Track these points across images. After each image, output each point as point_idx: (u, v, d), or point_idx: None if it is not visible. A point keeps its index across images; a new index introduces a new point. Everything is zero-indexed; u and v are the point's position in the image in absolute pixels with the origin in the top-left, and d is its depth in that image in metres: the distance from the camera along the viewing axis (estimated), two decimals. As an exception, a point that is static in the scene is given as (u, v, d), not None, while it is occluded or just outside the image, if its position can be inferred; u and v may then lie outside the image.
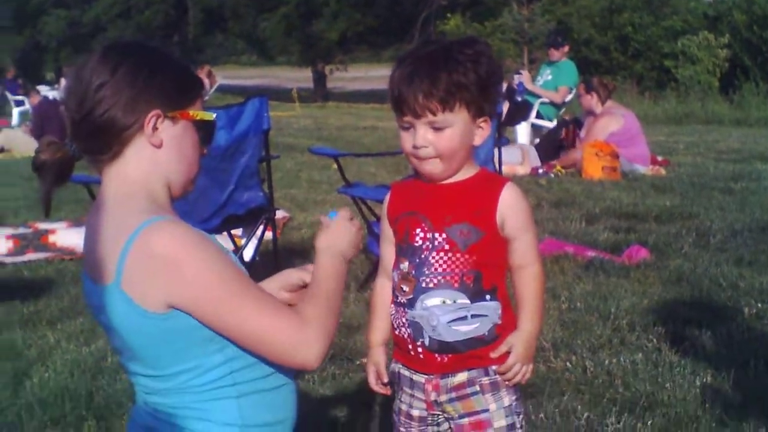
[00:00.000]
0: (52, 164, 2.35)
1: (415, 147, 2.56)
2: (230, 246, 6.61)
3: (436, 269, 2.58)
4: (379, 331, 2.78)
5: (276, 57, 55.74)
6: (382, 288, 2.76)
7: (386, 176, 11.19)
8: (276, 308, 2.23)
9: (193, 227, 2.21)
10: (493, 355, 2.60)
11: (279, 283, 2.62)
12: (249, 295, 2.20)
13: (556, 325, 5.39)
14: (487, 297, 2.60)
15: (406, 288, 2.62)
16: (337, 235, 2.48)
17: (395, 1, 42.36)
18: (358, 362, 4.84)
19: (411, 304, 2.60)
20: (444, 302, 2.57)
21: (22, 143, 17.10)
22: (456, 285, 2.57)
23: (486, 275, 2.59)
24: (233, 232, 6.43)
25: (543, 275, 2.68)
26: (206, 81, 20.83)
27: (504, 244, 2.62)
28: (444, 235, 2.58)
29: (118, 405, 4.34)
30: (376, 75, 48.92)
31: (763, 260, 6.73)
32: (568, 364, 4.77)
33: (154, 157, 2.31)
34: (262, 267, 6.38)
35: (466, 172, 2.65)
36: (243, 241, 6.31)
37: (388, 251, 2.75)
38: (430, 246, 2.59)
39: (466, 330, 2.58)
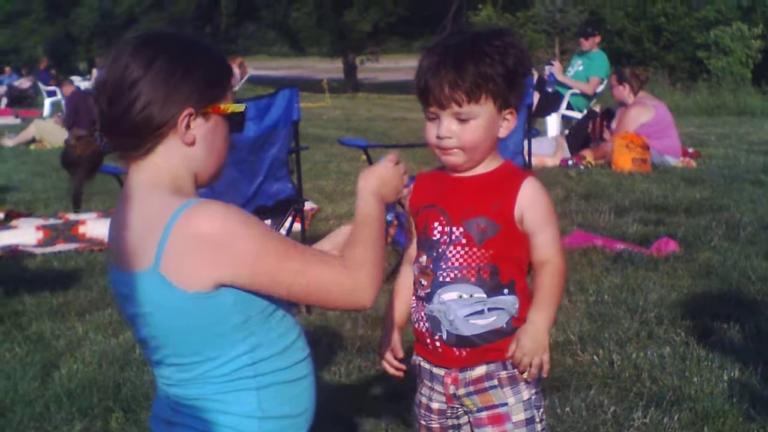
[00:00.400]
0: (84, 159, 2.36)
1: (439, 138, 2.56)
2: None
3: (453, 263, 2.58)
4: (396, 314, 2.80)
5: (307, 48, 55.75)
6: (405, 275, 2.78)
7: (415, 167, 11.04)
8: (325, 260, 2.29)
9: (226, 203, 2.24)
10: (508, 353, 2.59)
11: (330, 243, 2.66)
12: (296, 252, 2.25)
13: (583, 318, 5.38)
14: (505, 291, 2.59)
15: (424, 282, 2.63)
16: (378, 176, 2.50)
17: (427, -8, 42.27)
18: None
19: (429, 298, 2.61)
20: (461, 296, 2.58)
21: (53, 134, 17.18)
22: (473, 279, 2.57)
23: (503, 269, 2.59)
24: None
25: (563, 271, 2.65)
26: (237, 71, 20.87)
27: (523, 238, 2.60)
28: (461, 229, 2.59)
29: (146, 397, 4.36)
30: (406, 66, 48.83)
31: (793, 254, 6.70)
32: (595, 357, 4.76)
33: (186, 153, 2.33)
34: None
35: (490, 165, 2.64)
36: (271, 233, 6.32)
37: (411, 241, 2.78)
38: (448, 240, 2.60)
39: (484, 323, 2.58)
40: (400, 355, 2.78)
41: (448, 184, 2.66)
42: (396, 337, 2.78)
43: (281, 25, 50.89)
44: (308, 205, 8.16)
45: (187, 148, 2.32)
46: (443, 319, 2.60)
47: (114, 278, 2.36)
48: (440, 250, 2.61)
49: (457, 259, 2.58)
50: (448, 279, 2.59)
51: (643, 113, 11.57)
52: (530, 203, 2.58)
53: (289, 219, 6.01)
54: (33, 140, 17.52)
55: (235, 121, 2.41)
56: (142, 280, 2.22)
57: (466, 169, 2.63)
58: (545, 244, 2.62)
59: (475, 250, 2.57)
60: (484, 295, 2.57)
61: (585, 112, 13.29)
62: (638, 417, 4.06)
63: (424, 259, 2.65)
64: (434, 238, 2.63)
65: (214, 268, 2.18)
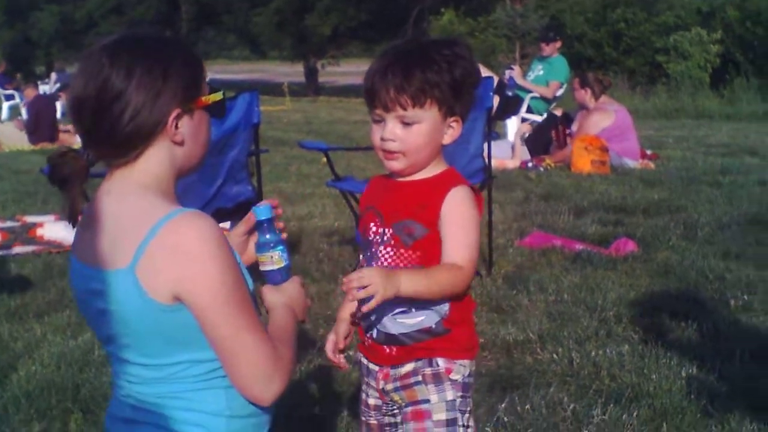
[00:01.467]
0: (76, 177, 2.34)
1: (382, 140, 2.58)
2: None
3: (382, 263, 2.61)
4: (346, 308, 2.83)
5: (268, 52, 55.69)
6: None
7: (376, 170, 11.09)
8: (266, 339, 2.24)
9: (215, 223, 2.22)
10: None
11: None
12: (247, 310, 2.22)
13: (543, 317, 5.40)
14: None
15: None
16: (292, 296, 2.47)
17: (388, -4, 42.35)
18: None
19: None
20: None
21: (12, 137, 17.03)
22: None
23: None
24: (222, 225, 6.42)
25: (464, 279, 2.54)
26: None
27: None
28: (391, 231, 2.60)
29: (104, 397, 4.33)
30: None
31: (749, 253, 6.77)
32: (554, 355, 4.78)
33: (175, 151, 2.32)
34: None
35: (431, 171, 2.65)
36: (231, 234, 6.31)
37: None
38: (380, 240, 2.63)
39: (411, 323, 2.59)
40: (340, 346, 2.82)
41: (388, 188, 2.69)
42: (340, 330, 2.82)
43: (242, 30, 50.79)
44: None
45: (176, 147, 2.31)
46: (374, 318, 2.63)
47: (80, 273, 2.33)
48: (373, 249, 2.65)
49: (386, 259, 2.60)
50: None
51: (605, 118, 11.65)
52: (449, 209, 2.55)
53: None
54: None
55: (216, 108, 2.41)
56: (117, 277, 2.20)
57: (408, 174, 2.64)
58: (453, 249, 2.53)
59: (402, 251, 2.58)
60: None
61: (545, 115, 13.36)
62: (597, 414, 4.08)
63: (361, 258, 2.74)
64: (369, 239, 2.67)
65: (176, 281, 2.17)
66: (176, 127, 2.28)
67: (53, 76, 25.12)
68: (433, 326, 2.59)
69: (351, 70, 51.18)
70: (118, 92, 2.24)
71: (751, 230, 7.50)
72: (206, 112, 2.38)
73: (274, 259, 2.46)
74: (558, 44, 14.18)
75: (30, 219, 8.46)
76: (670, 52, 25.12)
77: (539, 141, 12.40)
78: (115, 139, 2.28)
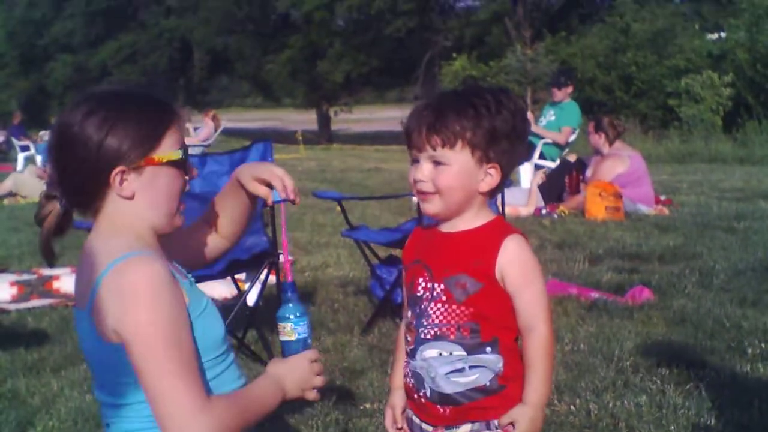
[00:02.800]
0: (51, 218, 2.44)
1: (415, 180, 2.59)
2: (233, 291, 6.62)
3: (433, 320, 2.57)
4: (398, 374, 2.78)
5: (281, 99, 55.99)
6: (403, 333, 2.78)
7: (390, 219, 11.21)
8: (193, 382, 2.26)
9: (166, 268, 2.29)
10: (502, 422, 2.56)
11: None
12: (178, 357, 2.24)
13: (559, 368, 5.38)
14: (487, 350, 2.56)
15: (409, 338, 2.65)
16: (289, 366, 2.51)
17: (399, 43, 42.59)
18: (361, 407, 4.84)
19: (412, 354, 2.62)
20: (441, 354, 2.56)
21: (31, 187, 17.02)
22: (452, 337, 2.55)
23: (484, 327, 2.55)
24: (236, 276, 6.44)
25: (550, 337, 2.56)
26: (211, 124, 20.90)
27: (507, 297, 2.55)
28: (442, 286, 2.56)
29: (122, 452, 4.33)
30: (380, 117, 49.18)
31: (766, 300, 6.72)
32: (572, 407, 4.76)
33: (131, 207, 2.39)
34: (265, 311, 6.40)
35: (477, 220, 2.62)
36: (246, 286, 6.32)
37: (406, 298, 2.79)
38: (430, 296, 2.59)
39: (465, 381, 2.56)
40: (399, 424, 2.77)
41: (434, 240, 2.66)
42: (397, 402, 2.78)
43: (255, 77, 51.13)
44: (283, 258, 8.14)
45: (130, 203, 2.39)
46: (426, 376, 2.59)
47: (74, 315, 2.46)
48: (422, 306, 2.60)
49: (437, 316, 2.56)
50: (428, 336, 2.58)
51: (618, 164, 11.64)
52: (510, 261, 2.53)
53: (265, 272, 6.01)
54: (9, 194, 17.40)
55: (177, 165, 2.44)
56: (82, 319, 2.34)
57: (444, 219, 2.63)
58: (527, 308, 2.55)
59: (455, 307, 2.54)
60: (464, 353, 2.55)
61: (557, 161, 13.37)
62: (616, 466, 4.06)
63: (409, 314, 2.67)
64: (418, 294, 2.62)
65: (116, 321, 2.25)
66: (122, 182, 2.35)
67: (57, 131, 25.20)
68: (488, 383, 2.56)
69: (364, 117, 51.48)
70: (68, 141, 2.36)
71: (766, 277, 7.46)
72: (170, 169, 2.42)
73: (285, 331, 2.56)
74: (570, 89, 14.23)
75: (46, 272, 8.47)
76: (682, 95, 25.15)
77: (553, 187, 12.40)
78: (67, 186, 2.41)
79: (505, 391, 2.58)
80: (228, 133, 33.33)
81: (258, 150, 6.10)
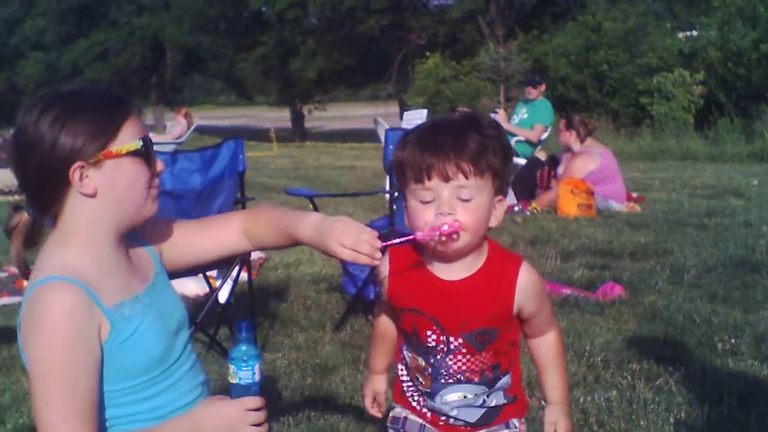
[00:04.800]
0: (20, 229, 2.41)
1: (441, 214, 2.37)
2: (205, 289, 6.60)
3: (455, 370, 2.54)
4: (381, 359, 2.79)
5: (254, 97, 55.91)
6: (386, 323, 2.74)
7: (363, 216, 11.19)
8: (76, 417, 2.23)
9: (80, 298, 2.25)
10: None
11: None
12: (63, 392, 2.22)
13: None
14: (503, 376, 2.59)
15: (422, 380, 2.59)
16: (216, 416, 2.43)
17: (373, 41, 42.61)
18: (333, 404, 4.83)
19: (430, 396, 2.59)
20: (465, 396, 2.56)
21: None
22: (476, 380, 2.55)
23: (503, 362, 2.57)
24: (208, 273, 6.42)
25: (560, 337, 2.68)
26: (184, 122, 20.83)
27: (517, 323, 2.58)
28: (460, 340, 2.50)
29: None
30: (354, 114, 49.15)
31: (736, 296, 6.76)
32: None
33: (93, 206, 2.36)
34: (237, 308, 6.39)
35: (478, 259, 2.51)
36: (218, 283, 6.30)
37: (386, 310, 2.72)
38: (446, 349, 2.52)
39: (485, 408, 2.59)
40: (383, 409, 2.81)
41: (438, 291, 2.49)
42: (380, 387, 2.81)
43: (227, 75, 51.03)
44: (255, 255, 8.13)
45: (91, 201, 2.34)
46: (447, 413, 2.59)
47: None
48: (438, 357, 2.54)
49: (459, 367, 2.54)
50: (450, 381, 2.55)
51: (590, 161, 11.67)
52: (528, 295, 2.52)
53: (236, 269, 5.99)
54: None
55: (140, 155, 2.41)
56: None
57: (460, 257, 2.47)
58: (544, 321, 2.62)
59: (477, 356, 2.52)
60: (487, 389, 2.57)
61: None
62: (586, 461, 4.08)
63: (420, 361, 2.58)
64: (429, 345, 2.54)
65: (24, 346, 2.27)
66: (82, 179, 2.31)
67: (15, 134, 24.96)
68: (505, 401, 2.60)
69: (337, 115, 51.42)
70: (27, 142, 2.33)
71: (737, 273, 7.50)
72: (132, 161, 2.38)
73: (229, 373, 2.45)
74: (543, 88, 14.27)
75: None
76: (654, 93, 25.26)
77: (525, 185, 12.43)
78: (28, 188, 2.38)
79: (517, 398, 2.65)
80: (201, 130, 33.20)
81: (229, 148, 6.07)
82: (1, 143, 18.55)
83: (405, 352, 2.64)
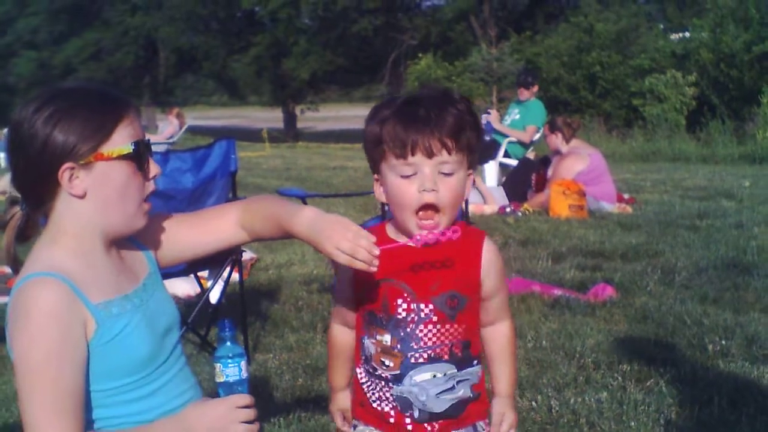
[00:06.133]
0: (13, 223, 2.41)
1: (424, 190, 2.38)
2: (196, 289, 6.60)
3: (425, 343, 2.47)
4: (341, 376, 2.71)
5: (247, 97, 55.88)
6: (342, 334, 2.67)
7: (355, 216, 11.19)
8: (61, 417, 2.22)
9: (65, 295, 2.25)
10: (495, 428, 2.60)
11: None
12: (46, 389, 2.21)
13: (522, 365, 5.40)
14: (474, 362, 2.55)
15: (390, 363, 2.51)
16: (203, 414, 2.40)
17: (365, 41, 42.59)
18: (324, 404, 4.83)
19: (398, 379, 2.50)
20: (435, 376, 2.49)
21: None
22: (446, 357, 2.49)
23: (473, 341, 2.53)
24: (199, 274, 6.42)
25: (514, 328, 2.63)
26: (176, 122, 20.82)
27: (479, 301, 2.54)
28: (431, 306, 2.46)
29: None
30: (346, 115, 49.14)
31: (727, 297, 6.78)
32: (533, 403, 4.78)
33: (82, 207, 2.34)
34: (228, 308, 6.39)
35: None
36: (209, 283, 6.30)
37: (349, 302, 2.61)
38: (416, 318, 2.47)
39: (452, 397, 2.51)
40: (351, 423, 2.70)
41: (407, 257, 2.46)
42: (347, 404, 2.71)
43: (220, 75, 50.99)
44: (247, 255, 8.12)
45: (81, 202, 2.33)
46: (415, 400, 2.50)
47: None
48: (408, 329, 2.47)
49: (429, 339, 2.47)
50: (420, 359, 2.48)
51: (578, 162, 11.70)
52: (491, 268, 2.51)
53: (228, 269, 5.99)
54: (3, 193, 16.95)
55: (132, 159, 2.38)
56: None
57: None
58: (500, 305, 2.59)
59: (448, 326, 2.47)
60: (455, 370, 2.51)
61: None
62: (576, 462, 4.08)
63: (386, 338, 2.50)
64: (399, 317, 2.48)
65: (10, 341, 2.26)
66: (71, 180, 2.30)
67: (9, 130, 24.91)
68: (471, 395, 2.54)
69: (329, 116, 51.42)
70: (20, 141, 2.32)
71: (728, 274, 7.52)
72: (123, 164, 2.36)
73: (215, 372, 2.43)
74: (535, 88, 14.28)
75: (9, 269, 8.39)
76: (646, 95, 25.29)
77: (517, 186, 12.45)
78: (20, 184, 2.38)
79: (481, 397, 2.59)
80: (193, 130, 33.20)
81: (221, 148, 6.07)
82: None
83: (367, 342, 2.56)
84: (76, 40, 48.94)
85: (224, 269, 5.94)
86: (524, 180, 12.53)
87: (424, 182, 2.37)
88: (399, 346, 2.48)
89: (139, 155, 2.39)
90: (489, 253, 2.51)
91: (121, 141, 2.35)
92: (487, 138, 13.52)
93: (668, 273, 7.65)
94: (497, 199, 12.13)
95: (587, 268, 8.04)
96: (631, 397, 4.80)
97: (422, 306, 2.45)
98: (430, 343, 2.47)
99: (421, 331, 2.46)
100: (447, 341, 2.47)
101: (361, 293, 2.55)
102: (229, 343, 2.43)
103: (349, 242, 2.28)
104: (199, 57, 49.79)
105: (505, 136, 13.72)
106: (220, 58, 47.87)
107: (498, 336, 2.60)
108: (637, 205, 12.19)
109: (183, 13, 45.06)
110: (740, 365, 5.26)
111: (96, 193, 2.34)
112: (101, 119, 2.34)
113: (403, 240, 2.48)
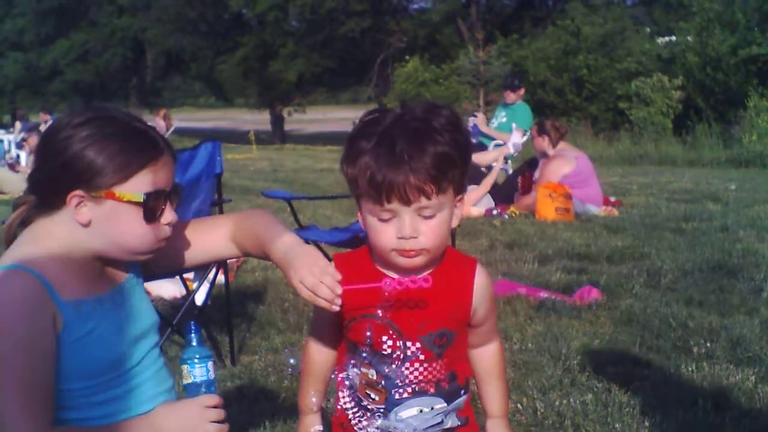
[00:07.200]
0: (24, 208, 2.45)
1: (402, 238, 2.26)
2: (182, 290, 6.59)
3: (411, 380, 2.38)
4: (312, 398, 2.58)
5: (234, 99, 55.82)
6: (318, 353, 2.55)
7: (342, 219, 11.19)
8: (31, 408, 2.22)
9: (35, 288, 2.25)
10: None
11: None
12: (19, 377, 2.21)
13: (507, 367, 5.36)
14: (462, 393, 2.47)
15: (375, 397, 2.42)
16: (171, 415, 2.39)
17: (353, 43, 42.58)
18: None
19: (383, 414, 2.42)
20: (421, 411, 2.41)
21: (12, 182, 16.32)
22: (432, 390, 2.40)
23: (459, 371, 2.46)
24: (185, 275, 6.40)
25: (503, 348, 2.57)
26: (162, 124, 20.79)
27: (467, 330, 2.48)
28: (418, 345, 2.36)
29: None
30: (334, 117, 49.14)
31: (712, 300, 6.79)
32: (518, 405, 4.77)
33: (83, 233, 2.36)
34: (214, 310, 6.38)
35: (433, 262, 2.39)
36: (195, 285, 6.28)
37: (331, 327, 2.51)
38: (402, 356, 2.37)
39: (440, 430, 2.45)
40: None
41: (394, 291, 2.36)
42: (318, 428, 2.61)
43: (207, 77, 50.92)
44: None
45: (81, 228, 2.35)
46: None
47: None
48: (393, 366, 2.38)
49: (415, 377, 2.38)
50: (405, 395, 2.39)
51: (565, 165, 11.71)
52: (483, 298, 2.43)
53: (214, 271, 5.98)
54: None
55: (144, 210, 2.37)
56: None
57: (419, 271, 2.36)
58: (490, 329, 2.52)
59: (435, 365, 2.39)
60: (445, 404, 2.43)
61: (509, 162, 13.44)
62: (561, 464, 4.08)
63: (372, 372, 2.41)
64: (384, 353, 2.38)
65: None
66: (78, 206, 2.32)
67: (18, 125, 24.94)
68: (459, 422, 2.47)
69: (317, 118, 51.38)
70: (48, 146, 2.36)
71: (713, 277, 7.53)
72: (131, 208, 2.35)
73: (183, 374, 2.43)
74: (522, 91, 14.31)
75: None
76: (632, 98, 25.38)
77: (503, 188, 12.46)
78: (34, 183, 2.42)
79: (469, 421, 2.52)
80: (180, 132, 33.14)
81: (206, 150, 6.05)
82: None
83: (351, 371, 2.47)
84: (63, 42, 48.87)
85: (210, 271, 5.92)
86: (511, 183, 12.55)
87: (402, 229, 2.26)
88: (383, 382, 2.40)
89: (149, 206, 2.38)
90: (481, 283, 2.43)
91: (137, 187, 2.35)
92: (474, 141, 13.53)
93: (654, 276, 7.66)
94: (483, 202, 12.14)
95: (573, 271, 8.04)
96: (616, 399, 4.80)
97: (409, 344, 2.36)
98: (415, 381, 2.39)
99: (407, 368, 2.38)
100: (432, 377, 2.39)
101: (343, 327, 2.46)
102: (195, 345, 2.42)
103: (313, 278, 2.26)
104: (186, 58, 49.73)
105: (492, 138, 13.73)
106: (207, 59, 47.80)
107: (487, 356, 2.53)
108: (623, 208, 12.23)
109: (170, 14, 44.99)
110: (725, 368, 5.26)
111: (99, 227, 2.36)
112: (128, 159, 2.34)
113: (384, 269, 2.39)
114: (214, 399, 2.39)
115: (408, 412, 2.40)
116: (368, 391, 2.42)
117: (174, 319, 5.49)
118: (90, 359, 2.32)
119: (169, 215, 2.44)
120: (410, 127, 2.25)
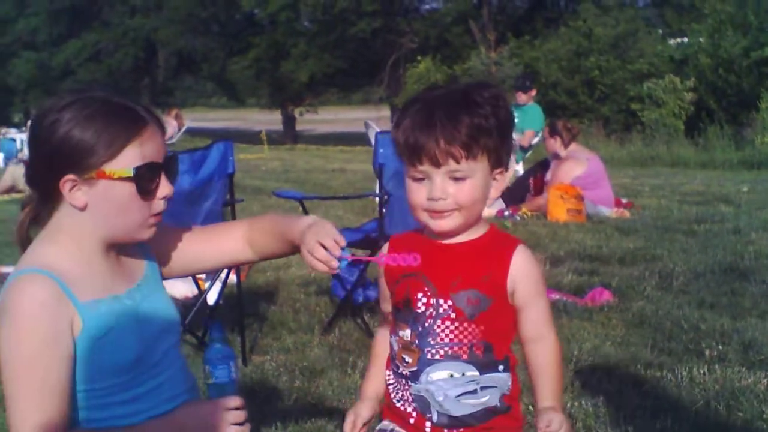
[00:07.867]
0: (32, 206, 2.46)
1: (432, 199, 2.36)
2: (194, 290, 6.59)
3: (442, 339, 2.41)
4: (372, 384, 2.64)
5: (245, 99, 55.83)
6: (381, 336, 2.64)
7: (353, 219, 11.19)
8: (47, 411, 2.23)
9: (52, 290, 2.25)
10: None
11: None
12: (31, 383, 2.22)
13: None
14: (500, 368, 2.47)
15: (408, 359, 2.46)
16: (193, 416, 2.41)
17: (365, 44, 42.53)
18: (321, 407, 4.83)
19: (415, 376, 2.45)
20: (452, 375, 2.42)
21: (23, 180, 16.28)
22: (465, 357, 2.41)
23: (497, 345, 2.44)
24: (197, 275, 6.41)
25: (559, 346, 2.54)
26: (174, 123, 20.84)
27: (512, 311, 2.46)
28: (450, 302, 2.40)
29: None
30: (345, 117, 49.16)
31: (724, 302, 6.77)
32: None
33: (83, 217, 2.36)
34: (226, 310, 6.39)
35: (476, 230, 2.47)
36: (207, 285, 6.30)
37: (385, 300, 2.61)
38: (434, 313, 2.41)
39: (476, 402, 2.43)
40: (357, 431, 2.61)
41: (432, 251, 2.45)
42: (363, 412, 2.61)
43: (219, 78, 50.94)
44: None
45: (81, 213, 2.35)
46: (432, 400, 2.43)
47: None
48: (426, 324, 2.42)
49: (447, 335, 2.41)
50: (437, 356, 2.42)
51: (576, 167, 11.69)
52: (523, 275, 2.44)
53: (225, 271, 5.99)
54: (12, 188, 16.88)
55: (137, 180, 2.36)
56: None
57: (456, 234, 2.44)
58: (538, 318, 2.49)
59: (466, 325, 2.40)
60: (477, 373, 2.42)
61: (520, 163, 13.43)
62: (573, 466, 4.07)
63: (407, 333, 2.46)
64: (418, 311, 2.44)
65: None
66: (72, 191, 2.32)
67: (30, 124, 25.10)
68: (498, 404, 2.46)
69: (329, 118, 51.39)
70: (36, 136, 2.37)
71: (725, 279, 7.52)
72: (125, 184, 2.34)
73: (204, 374, 2.45)
74: (533, 92, 14.30)
75: (5, 269, 8.38)
76: (644, 99, 25.31)
77: (515, 189, 12.44)
78: (30, 176, 2.43)
79: (512, 411, 2.52)
80: (192, 132, 33.21)
81: (219, 150, 6.06)
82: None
83: (393, 340, 2.53)
84: (76, 42, 48.91)
85: (221, 270, 5.93)
86: (523, 184, 12.53)
87: (432, 190, 2.36)
88: (417, 341, 2.44)
89: (141, 180, 2.37)
90: (521, 261, 2.45)
91: (126, 162, 2.33)
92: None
93: (666, 278, 7.65)
94: (495, 203, 12.12)
95: (585, 273, 8.03)
96: (627, 401, 4.80)
97: (441, 301, 2.41)
98: (447, 340, 2.41)
99: (438, 326, 2.41)
100: (466, 340, 2.40)
101: (390, 288, 2.54)
102: (218, 346, 2.44)
103: (313, 241, 2.35)
104: (198, 59, 49.76)
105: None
106: (219, 60, 47.83)
107: (540, 352, 2.50)
108: (635, 209, 12.20)
109: (182, 15, 45.01)
110: (737, 370, 5.25)
111: (96, 208, 2.35)
112: (113, 135, 2.33)
113: (429, 235, 2.50)
114: (235, 401, 2.42)
115: (439, 374, 2.42)
116: (403, 355, 2.47)
117: (186, 319, 5.50)
118: (110, 359, 2.33)
119: (165, 189, 2.43)
120: (452, 98, 2.39)
